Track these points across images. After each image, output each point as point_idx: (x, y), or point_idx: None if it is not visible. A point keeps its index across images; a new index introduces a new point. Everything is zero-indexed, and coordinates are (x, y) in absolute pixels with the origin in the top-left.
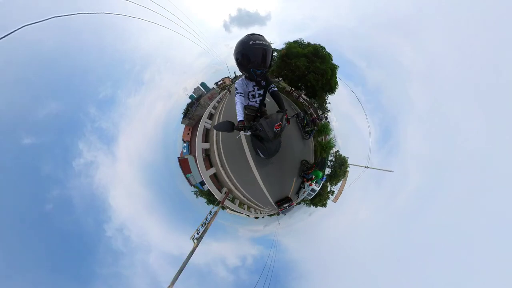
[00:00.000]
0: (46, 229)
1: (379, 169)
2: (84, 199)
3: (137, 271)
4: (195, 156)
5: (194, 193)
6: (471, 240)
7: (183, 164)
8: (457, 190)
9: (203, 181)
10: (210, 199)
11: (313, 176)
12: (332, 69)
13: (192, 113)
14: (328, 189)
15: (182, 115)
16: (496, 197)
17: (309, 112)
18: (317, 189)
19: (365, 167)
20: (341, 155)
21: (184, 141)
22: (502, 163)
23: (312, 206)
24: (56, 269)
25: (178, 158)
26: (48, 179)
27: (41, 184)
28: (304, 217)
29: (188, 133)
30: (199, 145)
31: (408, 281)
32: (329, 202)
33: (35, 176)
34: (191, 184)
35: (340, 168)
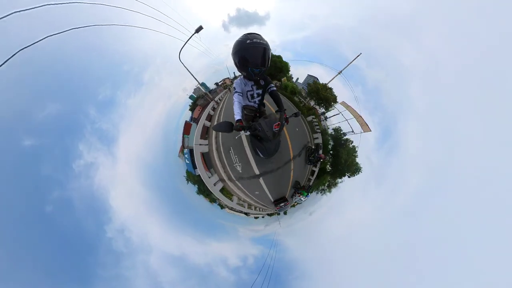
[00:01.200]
0: (46, 231)
1: (350, 63)
2: (85, 200)
3: (138, 272)
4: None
5: (186, 179)
6: (471, 240)
7: (186, 126)
8: (457, 189)
9: (195, 164)
10: (201, 188)
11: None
12: (274, 60)
13: (208, 95)
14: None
15: (188, 108)
16: (496, 196)
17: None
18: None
19: (339, 73)
20: (312, 81)
21: (193, 118)
22: (502, 162)
23: (343, 177)
24: (57, 270)
25: (186, 121)
26: (48, 181)
27: (41, 186)
28: (304, 216)
29: (199, 110)
30: (206, 111)
31: (408, 280)
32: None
33: (35, 177)
34: (184, 147)
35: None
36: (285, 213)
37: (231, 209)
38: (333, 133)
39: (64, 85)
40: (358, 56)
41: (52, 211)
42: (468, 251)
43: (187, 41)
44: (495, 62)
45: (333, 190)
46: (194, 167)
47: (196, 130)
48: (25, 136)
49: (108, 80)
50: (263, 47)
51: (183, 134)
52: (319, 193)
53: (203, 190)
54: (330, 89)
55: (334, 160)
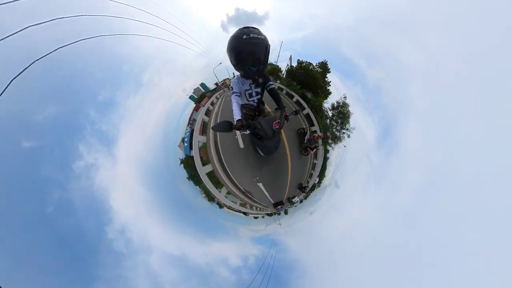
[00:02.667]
0: (47, 232)
1: (279, 52)
2: (85, 201)
3: (139, 272)
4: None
5: (180, 161)
6: (471, 240)
7: (197, 107)
8: (457, 188)
9: (191, 144)
10: (193, 173)
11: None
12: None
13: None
14: None
15: (191, 100)
16: (496, 196)
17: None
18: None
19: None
20: None
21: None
22: (502, 162)
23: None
24: (58, 271)
25: (196, 104)
26: (49, 182)
27: (41, 187)
28: (305, 216)
29: (206, 100)
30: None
31: (410, 279)
32: None
33: (35, 179)
34: (189, 121)
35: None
36: (285, 212)
37: (229, 207)
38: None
39: (63, 86)
40: (281, 44)
41: (52, 212)
42: (469, 250)
43: (214, 68)
44: (496, 62)
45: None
46: (191, 148)
47: (202, 108)
48: (25, 138)
49: (107, 81)
50: (261, 43)
51: (193, 110)
52: (341, 136)
53: (193, 176)
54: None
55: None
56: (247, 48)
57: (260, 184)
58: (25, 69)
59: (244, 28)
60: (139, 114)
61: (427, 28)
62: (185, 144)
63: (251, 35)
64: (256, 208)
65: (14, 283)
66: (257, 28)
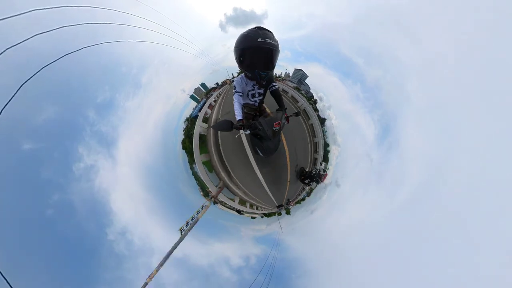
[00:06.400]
0: (47, 234)
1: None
2: (85, 203)
3: (140, 274)
4: None
5: (186, 119)
6: (472, 239)
7: (212, 90)
8: (458, 186)
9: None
10: (189, 128)
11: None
12: None
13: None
14: None
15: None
16: (497, 194)
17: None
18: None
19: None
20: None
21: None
22: (502, 160)
23: None
24: (59, 274)
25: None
26: (49, 184)
27: (41, 189)
28: (306, 215)
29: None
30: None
31: (412, 278)
32: None
33: (35, 181)
34: (207, 94)
35: None
36: (287, 212)
37: (222, 203)
38: None
39: (62, 88)
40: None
41: (53, 214)
42: (469, 249)
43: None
44: (494, 58)
45: None
46: (199, 111)
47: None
48: (25, 140)
49: (106, 82)
50: (275, 50)
51: (211, 92)
52: None
53: (187, 145)
54: None
55: None
56: (261, 52)
57: (265, 186)
58: (34, 74)
59: (258, 29)
60: (138, 114)
61: (425, 25)
62: (194, 111)
63: (266, 39)
64: (256, 207)
65: (15, 285)
66: (271, 32)
